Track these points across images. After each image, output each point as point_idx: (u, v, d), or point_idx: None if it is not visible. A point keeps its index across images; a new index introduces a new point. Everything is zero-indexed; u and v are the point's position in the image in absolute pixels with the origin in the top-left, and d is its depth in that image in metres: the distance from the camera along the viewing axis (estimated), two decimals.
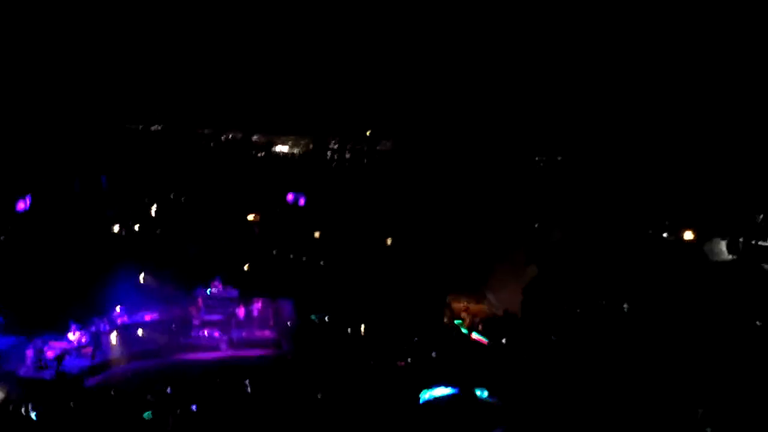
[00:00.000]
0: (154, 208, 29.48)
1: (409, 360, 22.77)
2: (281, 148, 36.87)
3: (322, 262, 29.47)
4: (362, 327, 26.31)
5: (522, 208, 29.90)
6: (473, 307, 27.87)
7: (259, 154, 34.15)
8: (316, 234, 30.52)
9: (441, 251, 28.88)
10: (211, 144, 33.10)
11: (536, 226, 30.98)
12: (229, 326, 27.10)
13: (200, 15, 30.00)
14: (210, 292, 27.51)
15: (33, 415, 18.82)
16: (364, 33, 31.33)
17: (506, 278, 28.30)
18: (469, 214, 29.62)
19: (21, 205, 26.31)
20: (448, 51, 30.22)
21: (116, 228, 27.64)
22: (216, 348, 26.50)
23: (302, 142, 36.66)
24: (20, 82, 28.67)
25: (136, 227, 28.68)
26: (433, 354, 22.72)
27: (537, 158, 31.59)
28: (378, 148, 33.26)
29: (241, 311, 27.32)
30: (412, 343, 24.58)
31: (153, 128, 31.93)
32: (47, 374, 22.81)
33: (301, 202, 31.39)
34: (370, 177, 32.05)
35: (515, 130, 31.83)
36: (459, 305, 27.76)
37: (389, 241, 29.80)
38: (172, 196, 30.05)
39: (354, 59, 31.77)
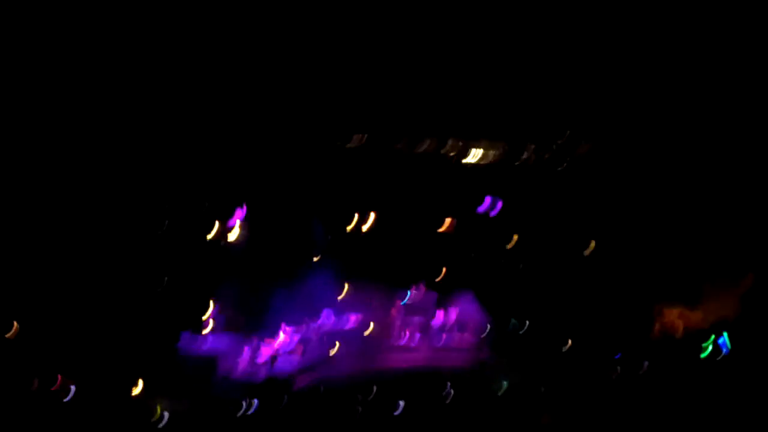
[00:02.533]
0: (356, 216, 30.49)
1: (619, 370, 21.62)
2: (475, 154, 36.81)
3: (521, 266, 28.87)
4: (567, 337, 25.49)
5: (742, 210, 27.49)
6: (688, 313, 25.98)
7: (453, 160, 34.30)
8: (515, 238, 29.98)
9: (650, 256, 27.21)
10: (407, 152, 33.71)
11: (757, 229, 28.42)
12: (427, 332, 27.35)
13: (396, 29, 30.77)
14: (410, 295, 27.95)
15: (251, 411, 20.00)
16: (555, 34, 30.54)
17: (722, 285, 26.13)
18: (682, 216, 27.71)
19: (237, 215, 28.21)
20: (652, 46, 28.65)
21: (323, 235, 28.88)
22: (415, 353, 26.89)
23: (496, 146, 36.35)
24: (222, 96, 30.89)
25: (342, 234, 29.77)
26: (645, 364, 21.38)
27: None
28: (577, 150, 32.22)
29: (440, 315, 27.48)
30: (621, 353, 23.40)
31: (356, 137, 33.20)
32: (259, 375, 24.23)
33: (498, 206, 31.04)
34: (569, 180, 31.08)
35: (731, 125, 29.46)
36: (671, 313, 25.98)
37: (593, 245, 28.56)
38: (372, 205, 30.91)
39: (550, 59, 31.05)
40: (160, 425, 17.85)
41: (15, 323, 22.22)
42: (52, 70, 26.98)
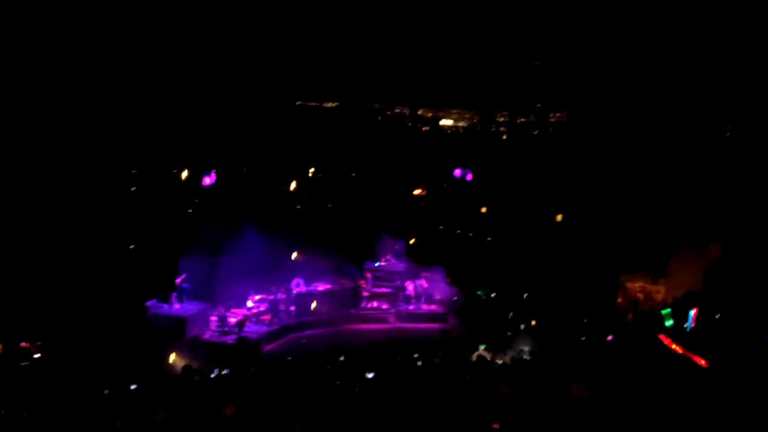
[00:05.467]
0: (324, 182, 30.45)
1: (583, 339, 21.97)
2: (446, 122, 36.75)
3: (489, 238, 29.17)
4: (528, 304, 25.76)
5: (706, 181, 27.89)
6: (649, 287, 26.45)
7: (424, 129, 34.32)
8: (483, 209, 30.20)
9: (615, 227, 27.60)
10: (379, 118, 33.67)
11: (721, 200, 28.88)
12: (396, 299, 27.54)
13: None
14: (378, 265, 28.00)
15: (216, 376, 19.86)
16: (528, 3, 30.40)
17: (687, 257, 26.56)
18: (647, 187, 28.05)
19: (206, 181, 28.04)
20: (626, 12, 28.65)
21: (291, 202, 28.82)
22: (384, 320, 27.08)
23: (467, 115, 36.34)
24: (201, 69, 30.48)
25: (307, 201, 29.72)
26: (609, 337, 21.72)
27: (726, 127, 29.32)
28: (550, 119, 32.32)
29: (408, 285, 27.64)
30: (583, 324, 23.72)
31: (326, 105, 33.02)
32: (229, 339, 24.17)
33: (469, 177, 31.16)
34: (540, 150, 31.26)
35: (697, 98, 29.73)
36: (634, 285, 26.44)
37: (559, 217, 28.92)
38: (342, 172, 30.86)
39: (520, 27, 30.90)
40: (132, 388, 17.63)
41: None
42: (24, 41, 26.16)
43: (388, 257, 28.18)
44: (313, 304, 26.09)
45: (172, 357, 22.02)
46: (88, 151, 26.86)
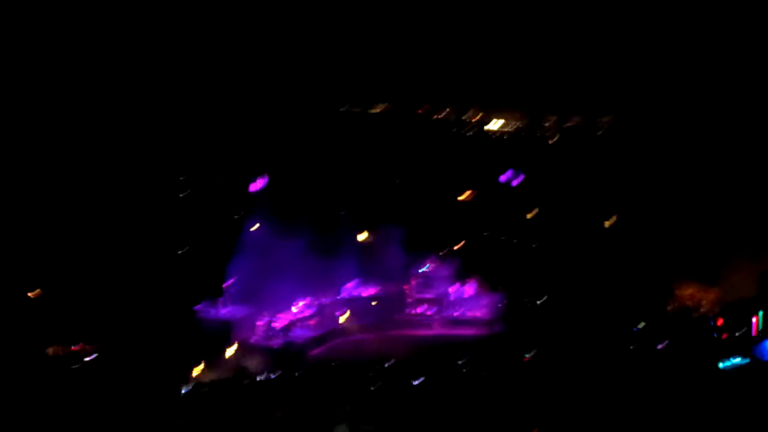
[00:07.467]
0: (369, 187, 30.42)
1: (632, 347, 21.59)
2: (492, 126, 36.40)
3: (535, 244, 28.79)
4: (577, 311, 25.35)
5: (760, 187, 27.14)
6: (700, 294, 25.78)
7: (470, 132, 34.02)
8: (530, 215, 29.85)
9: (667, 234, 27.00)
10: (426, 122, 33.50)
11: None
12: (441, 305, 27.40)
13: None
14: (423, 270, 27.93)
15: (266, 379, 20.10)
16: (576, 10, 30.10)
17: (739, 264, 25.86)
18: (699, 192, 27.41)
19: (255, 186, 28.29)
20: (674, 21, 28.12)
21: (337, 209, 28.91)
22: (428, 326, 26.97)
23: (514, 119, 35.91)
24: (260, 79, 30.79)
25: (355, 206, 29.73)
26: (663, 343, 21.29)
27: None
28: (598, 123, 31.74)
29: (453, 290, 27.50)
30: (636, 329, 23.29)
31: (372, 110, 32.98)
32: (275, 343, 24.42)
33: (515, 182, 30.82)
34: (589, 155, 30.73)
35: (752, 103, 29.00)
36: (686, 291, 25.79)
37: (609, 223, 28.39)
38: (388, 177, 30.80)
39: (570, 32, 30.56)
40: (182, 392, 17.95)
41: (39, 290, 22.61)
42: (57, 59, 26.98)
43: (433, 262, 28.09)
44: (378, 301, 26.29)
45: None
46: (140, 161, 27.48)
